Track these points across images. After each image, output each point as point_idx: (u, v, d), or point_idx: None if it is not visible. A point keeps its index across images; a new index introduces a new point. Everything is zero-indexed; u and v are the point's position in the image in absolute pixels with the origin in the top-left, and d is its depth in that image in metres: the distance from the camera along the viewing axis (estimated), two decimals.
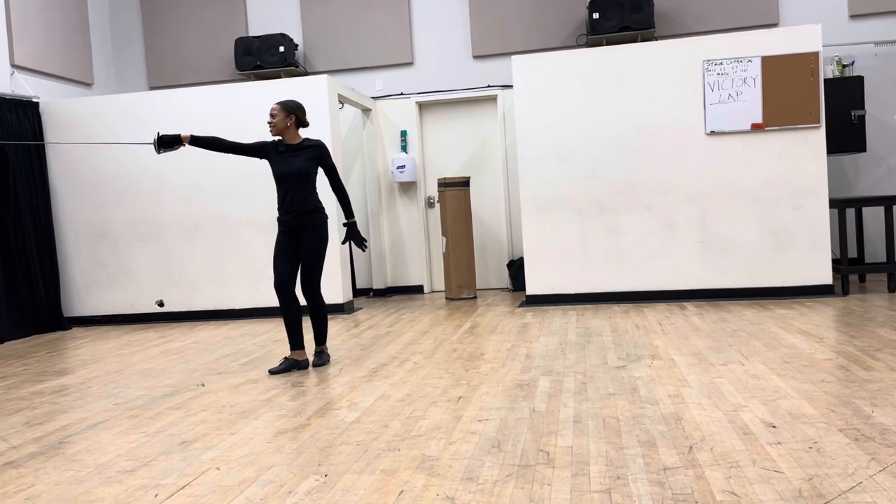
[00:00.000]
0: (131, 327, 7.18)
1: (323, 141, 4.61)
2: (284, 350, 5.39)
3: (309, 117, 7.07)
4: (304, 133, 7.03)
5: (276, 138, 4.64)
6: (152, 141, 4.53)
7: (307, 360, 4.71)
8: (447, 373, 4.31)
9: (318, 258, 4.57)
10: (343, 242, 4.75)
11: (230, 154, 4.70)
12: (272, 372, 4.58)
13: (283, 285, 4.56)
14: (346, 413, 3.57)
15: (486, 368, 4.35)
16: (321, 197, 4.94)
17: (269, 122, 4.55)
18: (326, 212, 4.73)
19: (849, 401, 3.26)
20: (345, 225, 4.67)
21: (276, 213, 7.20)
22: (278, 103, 4.54)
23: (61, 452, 3.25)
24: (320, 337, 4.76)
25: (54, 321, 7.31)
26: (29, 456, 3.23)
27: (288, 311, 4.61)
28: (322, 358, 4.75)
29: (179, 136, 4.50)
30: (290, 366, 4.63)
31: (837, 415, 3.07)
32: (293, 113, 4.56)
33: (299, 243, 4.61)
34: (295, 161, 4.53)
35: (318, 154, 4.59)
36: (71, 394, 4.42)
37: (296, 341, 4.65)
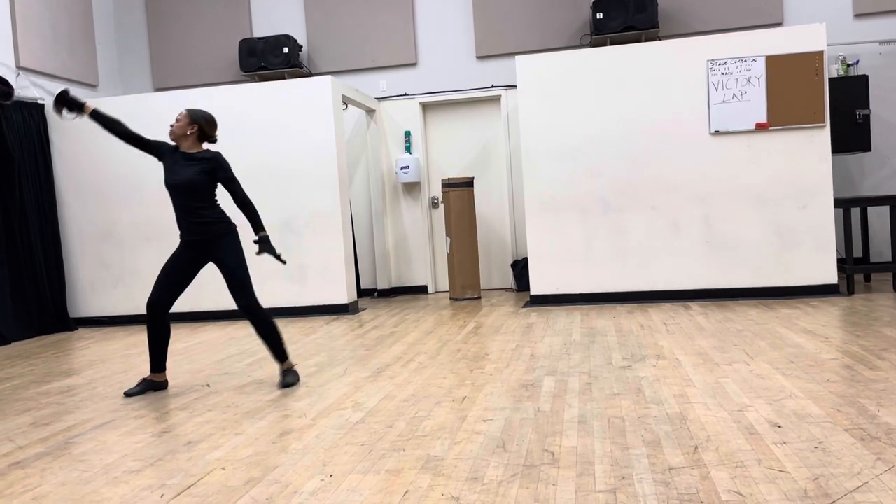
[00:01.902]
0: (137, 328, 7.20)
1: (221, 153, 4.32)
2: (289, 351, 5.39)
3: (313, 118, 7.10)
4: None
5: (174, 143, 4.30)
6: (55, 96, 4.26)
7: (166, 380, 4.41)
8: (452, 373, 4.31)
9: (240, 269, 4.23)
10: (258, 254, 4.28)
11: (127, 143, 4.29)
12: (127, 394, 4.27)
13: (154, 305, 4.25)
14: (351, 413, 3.58)
15: (490, 369, 4.35)
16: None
17: (171, 126, 4.27)
18: (233, 221, 4.38)
19: (854, 400, 3.26)
20: (255, 242, 4.28)
21: (278, 215, 7.21)
22: (187, 110, 4.26)
23: (67, 453, 3.26)
24: (278, 353, 4.32)
25: (60, 322, 7.34)
26: (35, 456, 3.24)
27: (154, 332, 4.29)
28: (288, 378, 4.27)
29: (84, 104, 4.28)
30: (147, 387, 4.34)
31: (843, 414, 3.07)
32: (196, 122, 4.23)
33: (199, 262, 4.33)
34: (185, 171, 4.18)
35: (211, 167, 4.19)
36: (77, 394, 4.43)
37: (157, 363, 4.34)
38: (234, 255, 4.26)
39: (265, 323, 4.28)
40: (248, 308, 4.24)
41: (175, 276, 4.29)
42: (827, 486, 2.35)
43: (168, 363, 5.23)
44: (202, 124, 4.26)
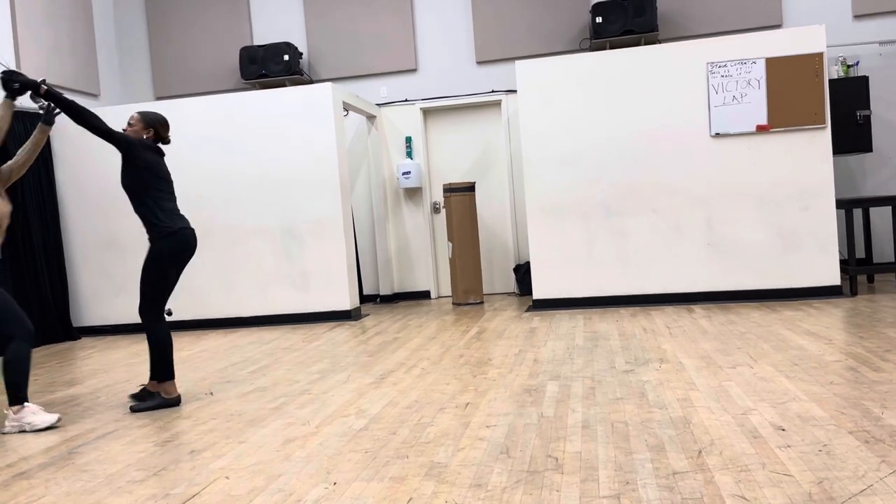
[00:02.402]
0: (140, 336, 7.20)
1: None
2: (292, 358, 5.40)
3: (314, 125, 7.12)
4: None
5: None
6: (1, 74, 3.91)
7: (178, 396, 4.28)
8: (455, 379, 4.31)
9: (146, 276, 4.13)
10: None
11: (88, 130, 4.01)
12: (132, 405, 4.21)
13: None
14: (355, 420, 3.57)
15: (493, 374, 4.35)
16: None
17: (124, 129, 4.18)
18: (165, 224, 4.14)
19: (858, 402, 3.25)
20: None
21: (280, 222, 7.22)
22: (139, 113, 4.19)
23: (71, 463, 3.26)
24: (156, 371, 4.18)
25: (63, 331, 7.34)
26: (39, 466, 3.24)
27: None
28: (144, 402, 4.14)
29: (38, 84, 3.95)
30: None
31: (847, 417, 3.06)
32: (152, 126, 4.20)
33: None
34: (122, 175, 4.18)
35: (123, 160, 4.10)
36: (81, 404, 4.44)
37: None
38: (147, 265, 4.14)
39: (153, 339, 4.17)
40: (141, 317, 4.18)
41: None
42: (831, 489, 2.34)
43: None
44: (157, 127, 4.22)
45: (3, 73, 3.95)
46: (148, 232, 4.15)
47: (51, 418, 3.88)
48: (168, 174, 4.28)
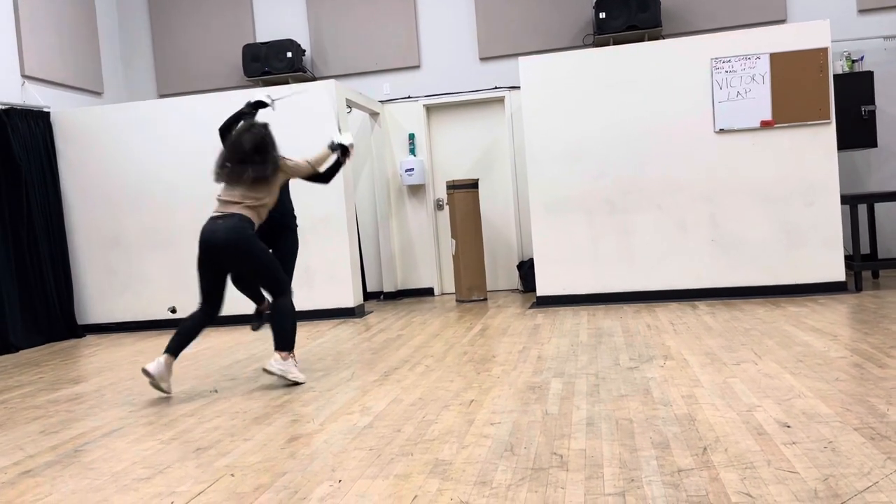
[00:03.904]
0: (144, 334, 7.22)
1: None
2: (296, 355, 5.41)
3: (317, 122, 7.12)
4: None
5: None
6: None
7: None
8: (459, 376, 4.31)
9: (293, 264, 5.35)
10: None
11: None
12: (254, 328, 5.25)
13: None
14: (359, 418, 3.58)
15: (497, 371, 4.35)
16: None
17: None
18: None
19: (864, 399, 3.24)
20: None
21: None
22: None
23: (77, 461, 3.27)
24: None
25: (68, 329, 7.36)
26: (45, 465, 3.25)
27: None
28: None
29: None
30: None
31: (852, 413, 3.05)
32: None
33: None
34: None
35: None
36: (86, 402, 4.45)
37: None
38: (296, 247, 5.32)
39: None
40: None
41: None
42: (837, 486, 2.34)
43: (175, 369, 5.25)
44: None
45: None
46: (290, 219, 5.30)
47: (302, 377, 4.39)
48: None
